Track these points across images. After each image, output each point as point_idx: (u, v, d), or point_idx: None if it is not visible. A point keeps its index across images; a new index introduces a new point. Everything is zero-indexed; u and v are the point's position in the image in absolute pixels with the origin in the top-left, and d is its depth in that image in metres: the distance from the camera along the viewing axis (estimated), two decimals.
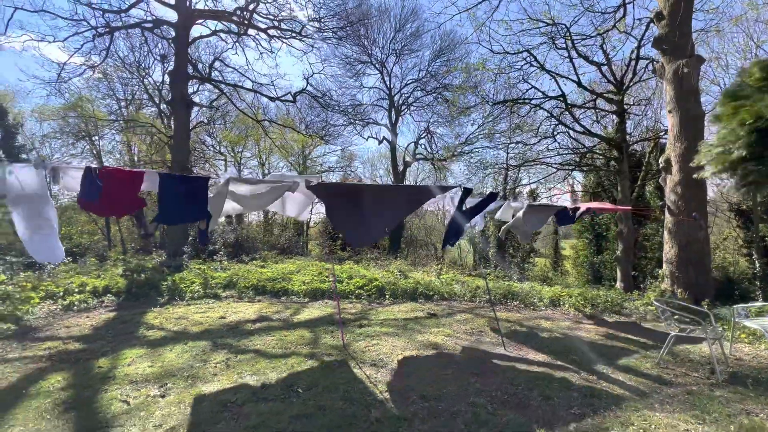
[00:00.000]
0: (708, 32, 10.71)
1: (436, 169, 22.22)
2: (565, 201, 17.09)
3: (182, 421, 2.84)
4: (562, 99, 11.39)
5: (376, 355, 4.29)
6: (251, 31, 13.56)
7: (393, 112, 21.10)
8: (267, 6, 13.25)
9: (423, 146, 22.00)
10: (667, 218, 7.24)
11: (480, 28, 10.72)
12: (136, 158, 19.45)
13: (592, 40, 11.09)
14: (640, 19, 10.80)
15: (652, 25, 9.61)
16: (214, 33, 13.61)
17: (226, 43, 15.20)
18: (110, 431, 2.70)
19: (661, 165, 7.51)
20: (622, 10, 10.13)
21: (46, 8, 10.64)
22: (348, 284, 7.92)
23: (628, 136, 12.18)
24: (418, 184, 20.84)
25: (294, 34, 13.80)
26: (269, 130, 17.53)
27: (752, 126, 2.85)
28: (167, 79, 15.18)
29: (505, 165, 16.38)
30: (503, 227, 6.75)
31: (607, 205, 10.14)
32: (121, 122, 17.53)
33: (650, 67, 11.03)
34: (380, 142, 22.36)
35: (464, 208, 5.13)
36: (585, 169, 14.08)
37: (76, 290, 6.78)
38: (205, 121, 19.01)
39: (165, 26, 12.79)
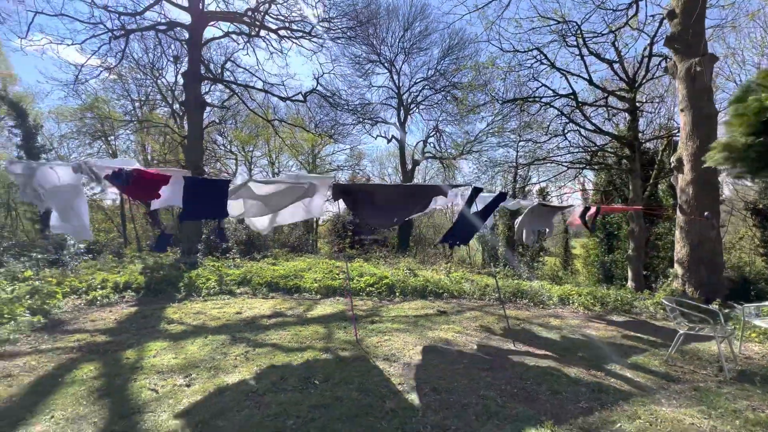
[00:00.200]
0: (724, 28, 10.54)
1: (444, 167, 22.23)
2: (576, 200, 16.99)
3: (208, 408, 3.02)
4: (572, 97, 11.32)
5: (388, 350, 4.43)
6: (262, 32, 13.76)
7: (402, 111, 21.15)
8: (278, 7, 13.44)
9: (432, 144, 22.04)
10: (679, 217, 7.22)
11: (490, 26, 10.72)
12: (149, 157, 19.93)
13: (603, 37, 10.99)
14: (653, 16, 10.71)
15: (665, 21, 9.50)
16: (227, 34, 13.82)
17: (237, 43, 15.44)
18: (143, 416, 2.89)
19: (672, 164, 7.48)
20: (634, 6, 10.03)
21: (65, 12, 10.98)
22: (359, 282, 8.08)
23: (640, 134, 12.03)
24: (426, 182, 20.89)
25: (304, 35, 13.95)
26: (279, 129, 17.75)
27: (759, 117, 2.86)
28: (180, 79, 15.52)
29: (514, 163, 16.34)
30: (517, 228, 6.82)
31: (618, 206, 10.07)
32: (135, 122, 17.99)
33: (663, 64, 10.89)
34: (389, 141, 22.46)
35: (476, 209, 5.10)
36: (596, 167, 13.97)
37: (99, 286, 7.08)
38: (217, 120, 19.35)
39: (178, 28, 13.06)
